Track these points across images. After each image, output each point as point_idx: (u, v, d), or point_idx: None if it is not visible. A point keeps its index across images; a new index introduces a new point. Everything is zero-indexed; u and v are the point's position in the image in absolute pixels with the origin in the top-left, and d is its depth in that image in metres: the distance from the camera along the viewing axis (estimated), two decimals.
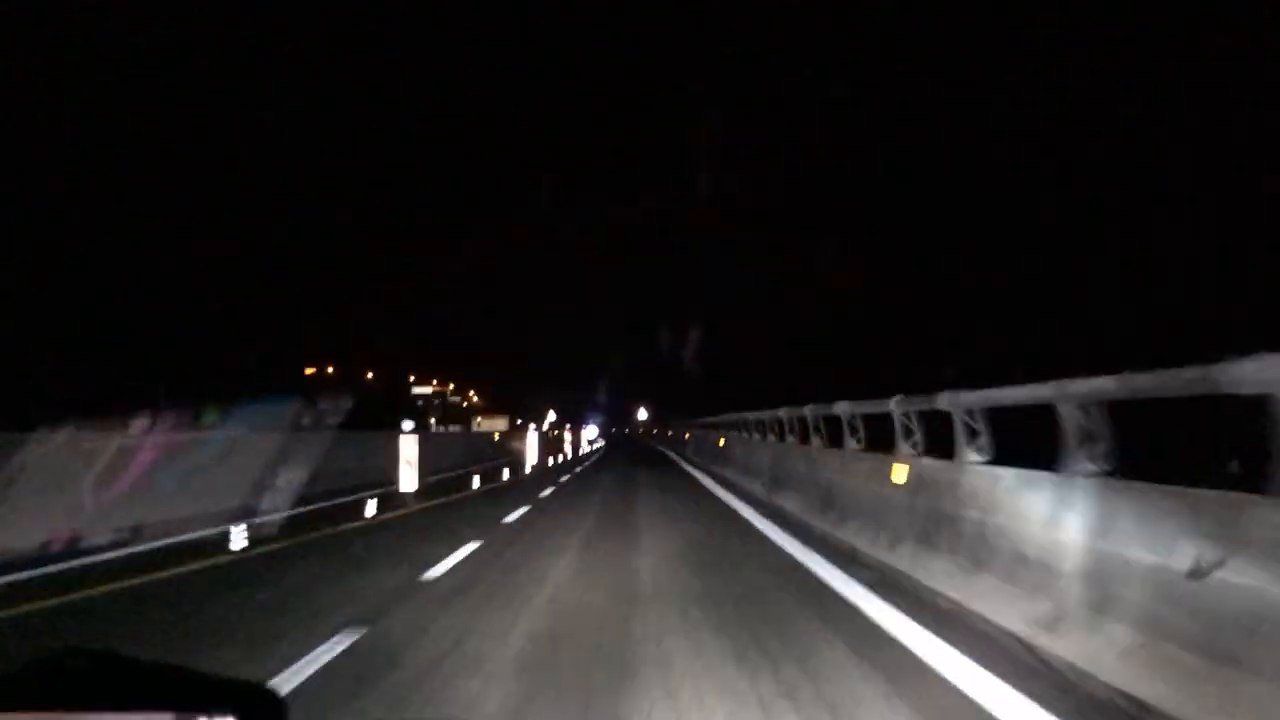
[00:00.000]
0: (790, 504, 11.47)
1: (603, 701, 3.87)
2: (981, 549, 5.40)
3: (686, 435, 36.49)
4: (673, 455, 34.44)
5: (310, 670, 4.42)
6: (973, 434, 6.09)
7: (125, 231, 24.68)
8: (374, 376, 59.28)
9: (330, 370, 52.78)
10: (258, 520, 10.39)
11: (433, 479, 17.17)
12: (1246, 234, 16.41)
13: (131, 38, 23.49)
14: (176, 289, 27.01)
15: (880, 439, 8.90)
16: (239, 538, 9.06)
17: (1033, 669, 4.14)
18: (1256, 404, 3.30)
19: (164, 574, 7.58)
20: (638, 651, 4.71)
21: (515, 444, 28.97)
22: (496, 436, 34.30)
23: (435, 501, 14.46)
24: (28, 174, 21.54)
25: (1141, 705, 3.41)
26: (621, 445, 59.11)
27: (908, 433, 7.58)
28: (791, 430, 13.66)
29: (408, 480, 15.31)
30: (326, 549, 9.18)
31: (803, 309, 36.54)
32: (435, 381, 76.72)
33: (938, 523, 6.19)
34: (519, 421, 52.90)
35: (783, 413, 13.86)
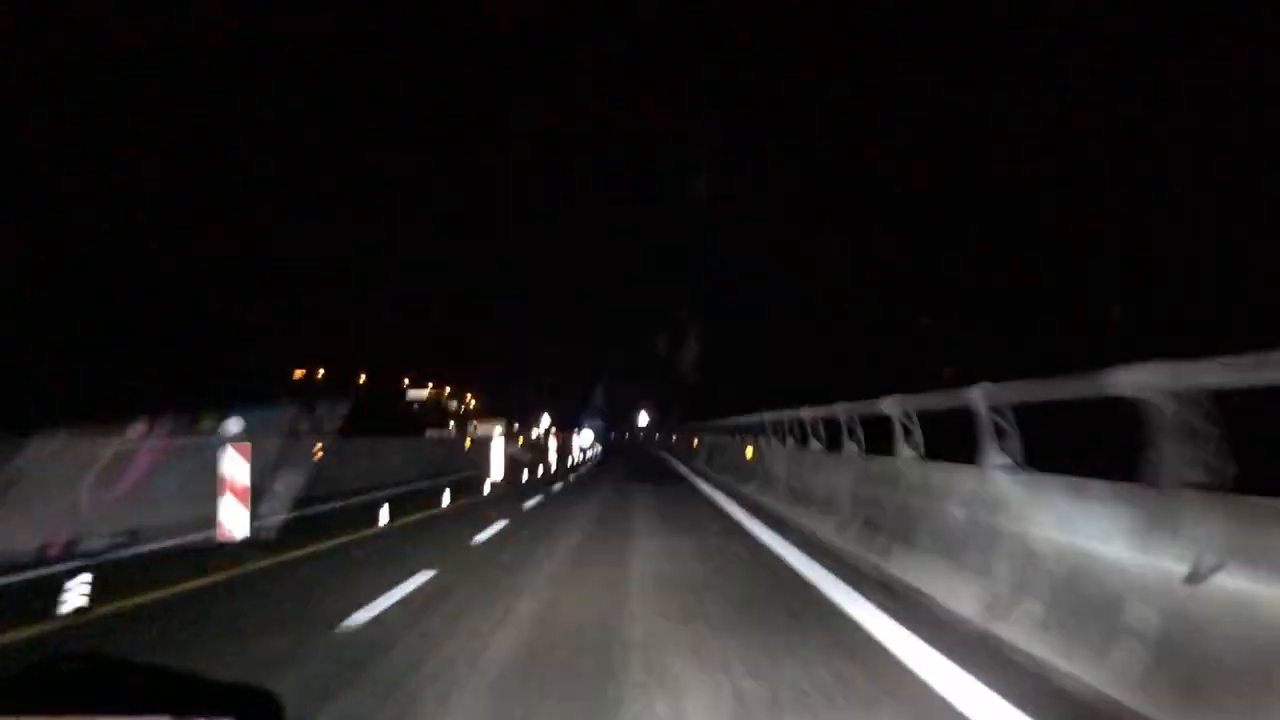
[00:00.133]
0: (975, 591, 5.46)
1: None
2: None
3: (695, 442, 31.64)
4: (680, 467, 28.30)
5: None
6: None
7: (125, 232, 24.69)
8: (367, 380, 58.75)
9: (321, 373, 52.30)
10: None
11: (327, 506, 13.50)
12: (1247, 234, 16.41)
13: (131, 37, 23.49)
14: (176, 290, 27.00)
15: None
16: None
17: None
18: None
19: None
20: None
21: (485, 453, 22.98)
22: (468, 444, 29.21)
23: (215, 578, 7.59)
24: (27, 174, 21.54)
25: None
26: (620, 453, 51.33)
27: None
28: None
29: (232, 518, 9.49)
30: None
31: (803, 308, 36.52)
32: (431, 385, 76.44)
33: None
34: (516, 425, 52.71)
35: (890, 406, 7.96)
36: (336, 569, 8.24)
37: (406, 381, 71.23)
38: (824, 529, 9.39)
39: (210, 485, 9.77)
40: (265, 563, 8.43)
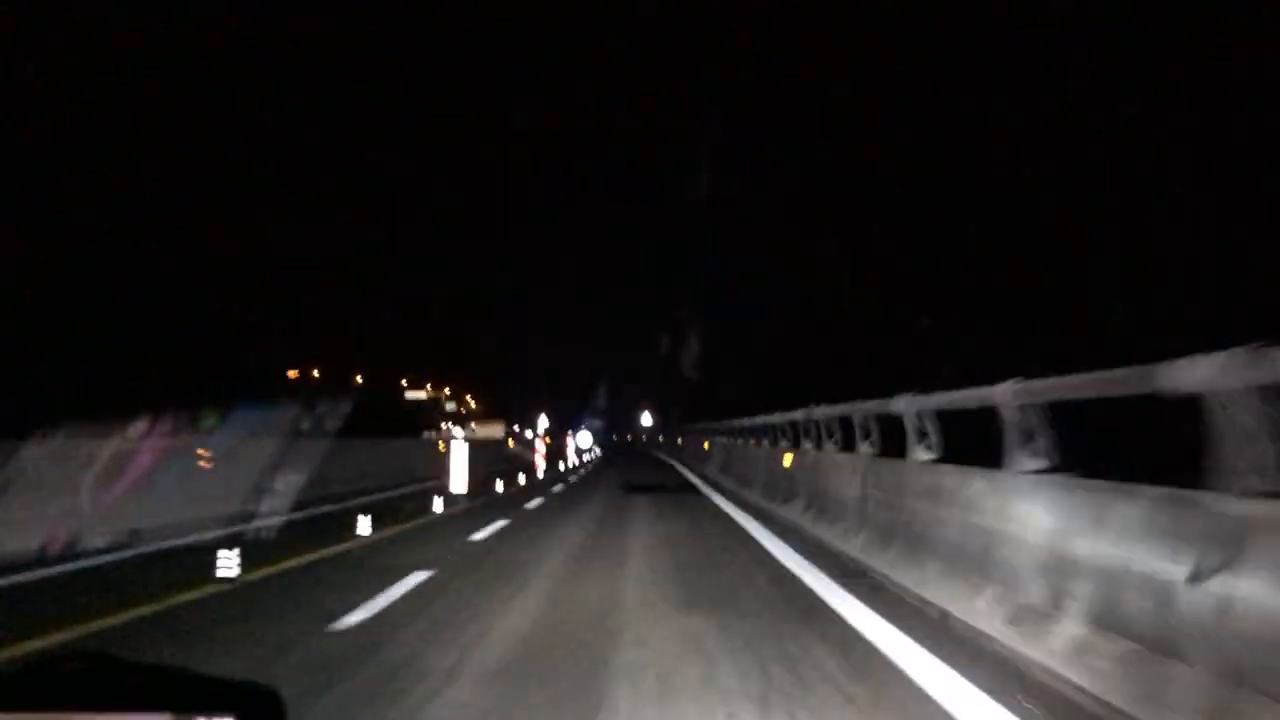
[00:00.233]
0: None
1: None
2: None
3: (707, 445, 26.86)
4: (689, 475, 24.37)
5: None
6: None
7: (125, 232, 24.69)
8: (367, 380, 58.38)
9: (321, 373, 52.00)
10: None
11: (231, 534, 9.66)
12: (1247, 234, 16.42)
13: (131, 37, 23.49)
14: (176, 289, 27.00)
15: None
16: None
17: None
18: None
19: None
20: None
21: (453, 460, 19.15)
22: (442, 446, 24.88)
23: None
24: (27, 174, 21.53)
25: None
26: (622, 455, 48.50)
27: None
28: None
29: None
30: None
31: (803, 308, 36.52)
32: (430, 385, 76.25)
33: None
34: (515, 427, 52.37)
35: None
36: None
37: (405, 382, 71.08)
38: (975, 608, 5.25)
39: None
40: None
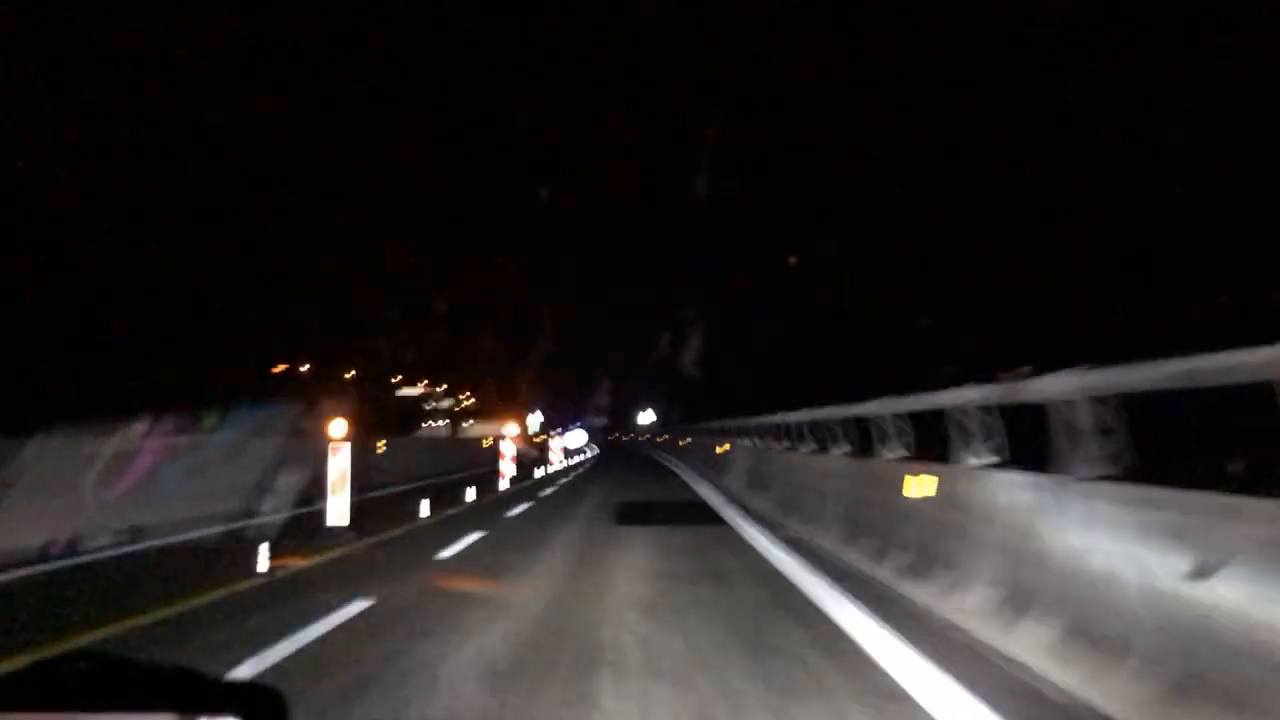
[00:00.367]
0: None
1: None
2: None
3: (724, 449, 21.37)
4: (701, 490, 18.32)
5: None
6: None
7: (125, 232, 24.68)
8: (355, 376, 57.80)
9: (304, 368, 51.39)
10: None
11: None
12: (1247, 234, 16.41)
13: (131, 37, 23.49)
14: (176, 289, 26.99)
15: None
16: None
17: None
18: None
19: None
20: None
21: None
22: (379, 448, 22.85)
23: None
24: (27, 174, 21.53)
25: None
26: (617, 460, 41.37)
27: None
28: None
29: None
30: None
31: (803, 308, 36.51)
32: (425, 382, 76.01)
33: None
34: (511, 426, 51.97)
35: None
36: None
37: (400, 378, 70.76)
38: None
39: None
40: None
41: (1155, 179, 18.80)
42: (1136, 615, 3.91)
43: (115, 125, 24.30)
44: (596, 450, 48.33)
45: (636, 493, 18.57)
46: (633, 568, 8.45)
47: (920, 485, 6.93)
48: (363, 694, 4.56)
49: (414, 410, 63.69)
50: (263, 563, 8.03)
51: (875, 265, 29.80)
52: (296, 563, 9.02)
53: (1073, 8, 21.45)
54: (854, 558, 8.18)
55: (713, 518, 12.72)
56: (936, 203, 26.28)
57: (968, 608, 5.76)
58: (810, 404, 10.85)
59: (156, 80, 25.40)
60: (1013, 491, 5.61)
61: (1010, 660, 4.81)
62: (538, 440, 34.25)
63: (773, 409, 14.06)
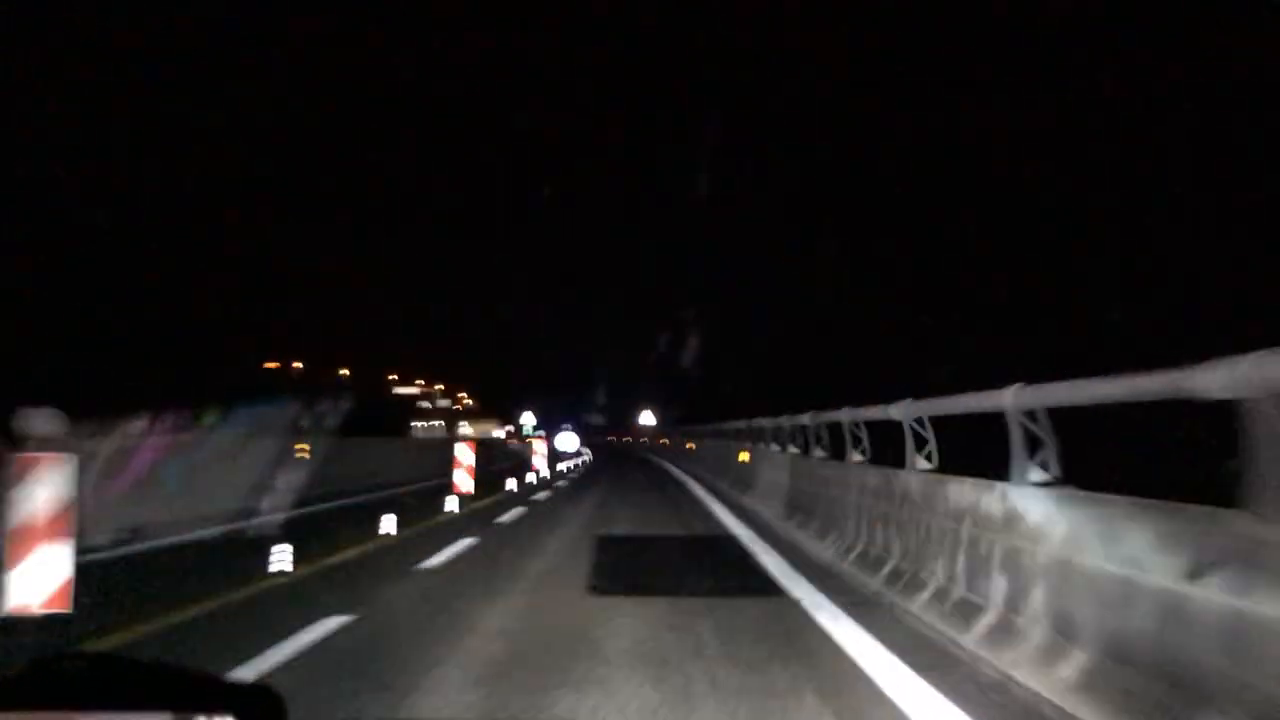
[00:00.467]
0: None
1: None
2: None
3: (744, 456, 16.66)
4: (724, 516, 11.72)
5: None
6: None
7: (125, 232, 24.71)
8: (350, 374, 57.52)
9: (297, 365, 51.16)
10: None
11: None
12: (1247, 234, 16.43)
13: (132, 37, 23.49)
14: (175, 289, 27.03)
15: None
16: None
17: None
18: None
19: None
20: None
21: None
22: (301, 450, 18.98)
23: None
24: (27, 174, 21.55)
25: None
26: (615, 469, 31.77)
27: None
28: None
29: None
30: None
31: (803, 308, 36.53)
32: (422, 381, 75.98)
33: None
34: (509, 426, 51.78)
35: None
36: None
37: (394, 377, 70.63)
38: None
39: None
40: None
41: (1155, 179, 18.83)
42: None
43: (115, 125, 24.32)
44: (589, 456, 39.04)
45: (632, 524, 11.76)
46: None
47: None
48: None
49: (407, 409, 63.37)
50: None
51: (875, 265, 29.84)
52: None
53: (1073, 8, 21.47)
54: (962, 639, 4.38)
55: (749, 573, 7.32)
56: (936, 203, 26.31)
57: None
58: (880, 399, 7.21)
59: (156, 80, 25.40)
60: None
61: None
62: (523, 442, 27.89)
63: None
